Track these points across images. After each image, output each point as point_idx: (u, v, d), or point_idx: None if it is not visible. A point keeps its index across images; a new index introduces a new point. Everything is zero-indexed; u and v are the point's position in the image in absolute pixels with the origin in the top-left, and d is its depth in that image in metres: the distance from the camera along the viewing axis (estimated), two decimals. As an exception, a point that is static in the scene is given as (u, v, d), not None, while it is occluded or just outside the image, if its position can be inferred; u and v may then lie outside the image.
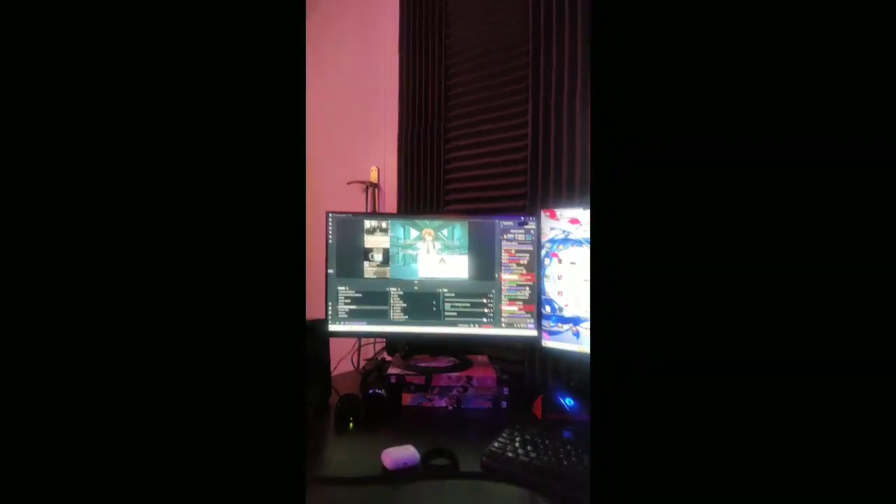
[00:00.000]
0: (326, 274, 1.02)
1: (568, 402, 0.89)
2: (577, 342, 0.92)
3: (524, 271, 1.01)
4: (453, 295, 1.02)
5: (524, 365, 1.15)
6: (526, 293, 1.01)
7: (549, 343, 0.97)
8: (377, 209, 1.58)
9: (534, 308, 1.00)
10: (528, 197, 1.15)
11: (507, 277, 1.02)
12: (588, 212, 0.92)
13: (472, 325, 1.02)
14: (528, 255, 1.01)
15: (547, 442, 0.70)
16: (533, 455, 0.67)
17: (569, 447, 0.69)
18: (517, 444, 0.70)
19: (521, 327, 1.02)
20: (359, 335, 1.08)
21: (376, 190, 1.59)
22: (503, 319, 1.02)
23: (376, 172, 1.59)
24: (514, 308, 1.02)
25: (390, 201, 1.53)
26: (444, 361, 1.02)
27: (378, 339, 1.23)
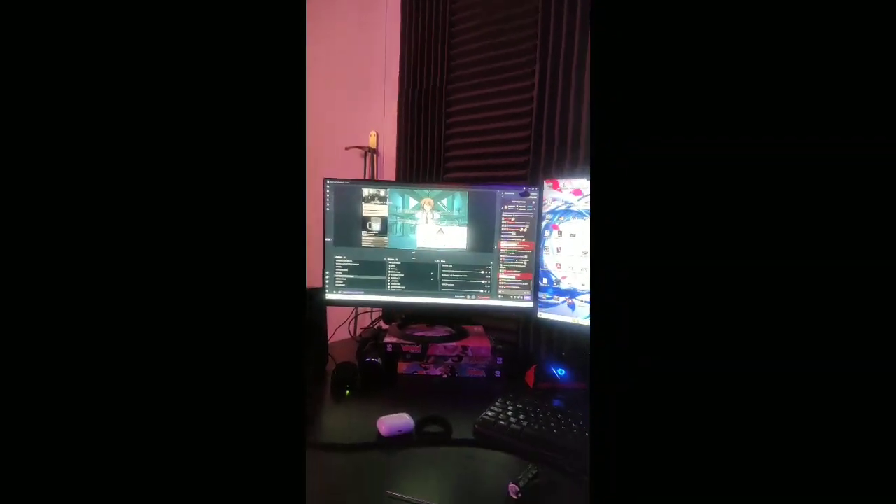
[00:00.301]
0: (324, 242, 1.01)
1: (559, 371, 0.91)
2: (572, 314, 0.93)
3: (523, 240, 1.01)
4: (451, 266, 1.02)
5: (518, 335, 1.17)
6: (524, 262, 1.01)
7: (544, 315, 0.98)
8: (376, 176, 1.55)
9: (531, 277, 1.01)
10: (530, 165, 1.13)
11: (505, 245, 1.01)
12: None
13: (468, 296, 1.03)
14: (528, 223, 1.00)
15: (538, 411, 0.72)
16: (524, 423, 0.69)
17: (559, 416, 0.71)
18: (509, 413, 0.72)
19: (517, 299, 1.02)
20: (356, 304, 1.09)
21: (375, 156, 1.55)
22: (500, 291, 1.02)
23: (375, 137, 1.55)
24: (512, 276, 1.02)
25: (389, 167, 1.50)
26: (440, 331, 1.04)
27: (375, 308, 1.24)
